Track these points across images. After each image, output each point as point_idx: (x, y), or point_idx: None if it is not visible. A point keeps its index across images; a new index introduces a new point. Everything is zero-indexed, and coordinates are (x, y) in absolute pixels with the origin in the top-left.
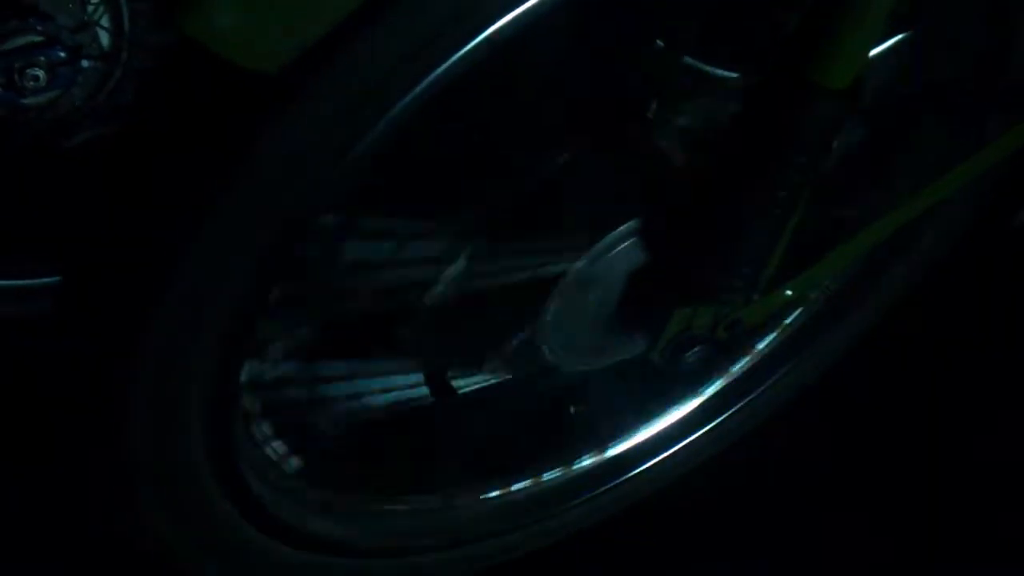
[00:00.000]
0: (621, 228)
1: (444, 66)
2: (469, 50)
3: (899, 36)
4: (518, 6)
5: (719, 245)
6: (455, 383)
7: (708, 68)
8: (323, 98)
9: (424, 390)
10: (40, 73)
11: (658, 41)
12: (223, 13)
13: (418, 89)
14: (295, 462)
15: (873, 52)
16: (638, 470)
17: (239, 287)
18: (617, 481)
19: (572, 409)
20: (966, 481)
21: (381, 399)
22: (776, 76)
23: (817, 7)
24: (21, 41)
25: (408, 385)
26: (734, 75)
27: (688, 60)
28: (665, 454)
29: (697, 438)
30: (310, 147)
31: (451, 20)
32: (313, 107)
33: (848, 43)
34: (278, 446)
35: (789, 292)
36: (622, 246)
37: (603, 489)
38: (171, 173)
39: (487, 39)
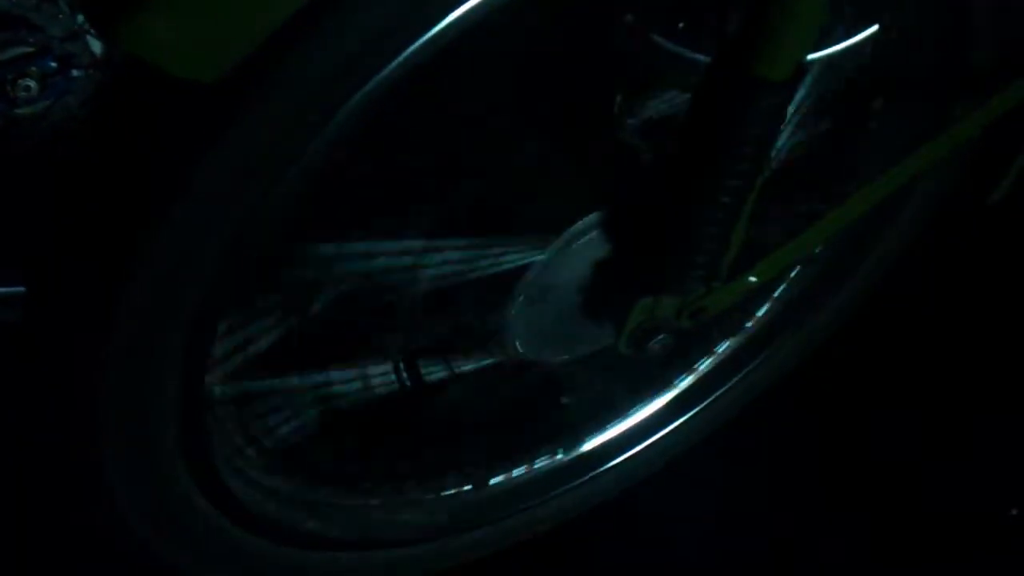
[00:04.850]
0: (584, 220)
1: (388, 69)
2: (414, 51)
3: (866, 31)
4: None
5: (673, 234)
6: (427, 377)
7: (678, 49)
8: (263, 105)
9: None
10: (32, 83)
11: (628, 16)
12: (158, 25)
13: (363, 91)
14: (268, 456)
15: (841, 46)
16: (614, 462)
17: (199, 288)
18: (593, 473)
19: (564, 400)
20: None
21: (354, 393)
22: (718, 68)
23: (756, 1)
24: (12, 53)
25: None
26: (704, 58)
27: (657, 39)
28: (640, 446)
29: (672, 430)
30: (252, 154)
31: (394, 22)
32: (253, 114)
33: (787, 36)
34: (251, 441)
35: (753, 279)
36: (585, 238)
37: (578, 482)
38: (121, 181)
39: (433, 39)
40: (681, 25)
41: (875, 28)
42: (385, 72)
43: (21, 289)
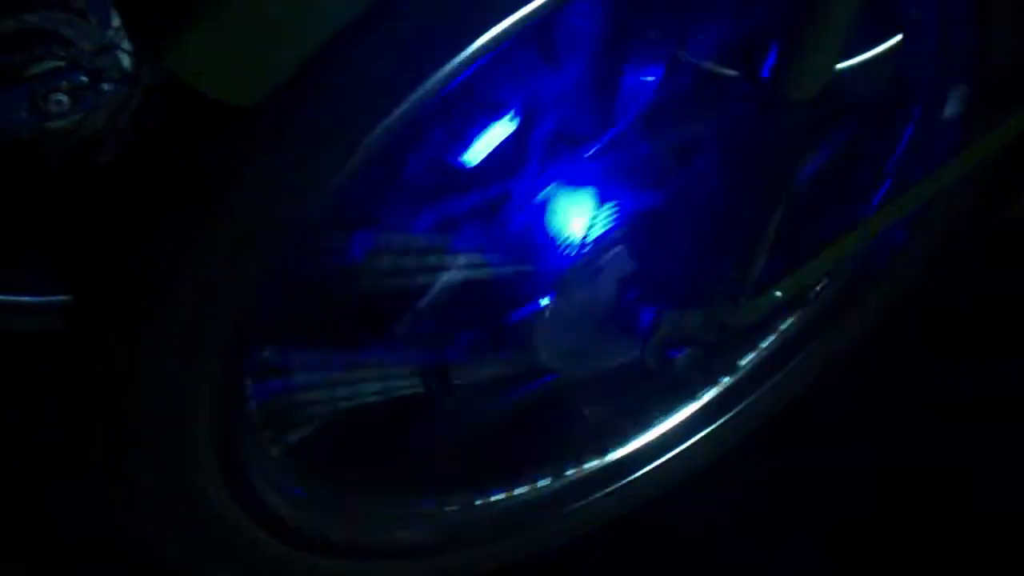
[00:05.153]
0: (611, 232)
1: (415, 96)
2: (449, 71)
3: (889, 42)
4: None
5: (700, 249)
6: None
7: (704, 64)
8: (298, 129)
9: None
10: (63, 98)
11: (651, 33)
12: (198, 48)
13: (394, 115)
14: (300, 465)
15: (863, 57)
16: (639, 473)
17: (238, 299)
18: (617, 485)
19: (586, 411)
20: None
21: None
22: (745, 88)
23: (781, 19)
24: (44, 67)
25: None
26: (732, 73)
27: (682, 55)
28: (666, 457)
29: (697, 441)
30: (289, 175)
31: (423, 48)
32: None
33: (814, 55)
34: (282, 448)
35: (778, 293)
36: (612, 251)
37: (603, 493)
38: (161, 195)
39: (472, 56)
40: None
41: (899, 39)
42: (413, 98)
43: (42, 299)
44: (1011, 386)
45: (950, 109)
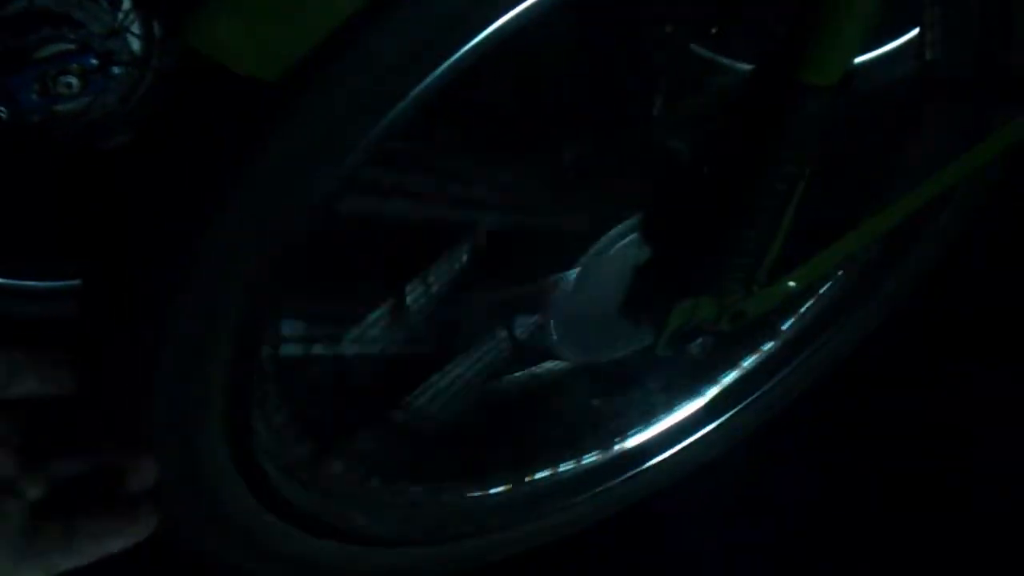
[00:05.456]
0: (625, 223)
1: (438, 71)
2: (466, 52)
3: (907, 34)
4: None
5: (716, 237)
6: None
7: (716, 57)
8: (321, 102)
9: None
10: (73, 80)
11: (666, 27)
12: (223, 23)
13: (414, 92)
14: (314, 453)
15: (883, 49)
16: (649, 464)
17: (247, 282)
18: (628, 475)
19: (595, 402)
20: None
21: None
22: (765, 73)
23: (804, 5)
24: (54, 49)
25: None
26: (745, 66)
27: (695, 48)
28: (678, 447)
29: (708, 432)
30: (311, 148)
31: (443, 25)
32: (312, 112)
33: (834, 40)
34: (297, 435)
35: (792, 283)
36: (625, 241)
37: (615, 482)
38: (180, 175)
39: (489, 36)
40: (714, 31)
41: (916, 31)
42: (436, 74)
43: (52, 284)
44: (1011, 387)
45: (968, 102)
